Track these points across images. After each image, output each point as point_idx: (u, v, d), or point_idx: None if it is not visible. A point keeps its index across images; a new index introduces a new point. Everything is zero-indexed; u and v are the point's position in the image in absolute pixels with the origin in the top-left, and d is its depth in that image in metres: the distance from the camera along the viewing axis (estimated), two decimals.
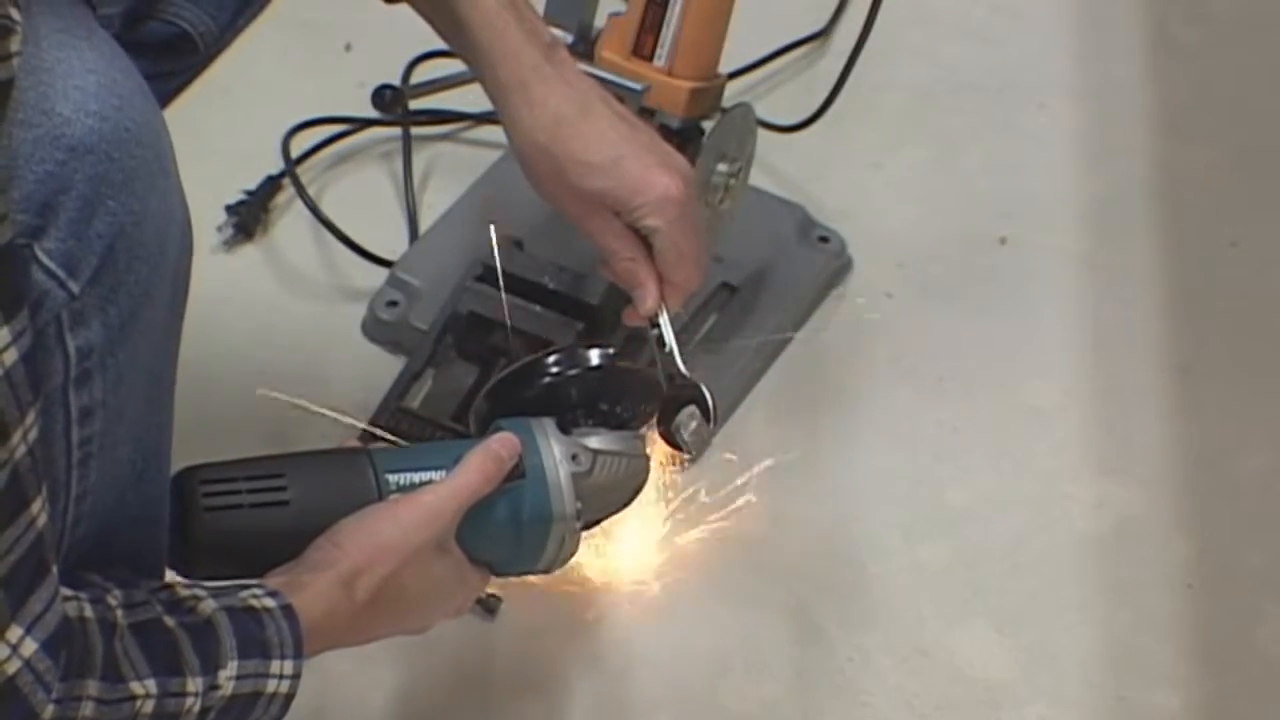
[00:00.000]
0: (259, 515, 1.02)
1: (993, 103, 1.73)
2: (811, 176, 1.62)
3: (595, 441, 1.13)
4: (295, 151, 1.59)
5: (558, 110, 1.17)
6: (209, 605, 0.92)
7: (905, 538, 1.36)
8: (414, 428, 1.37)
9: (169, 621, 0.90)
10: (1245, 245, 1.60)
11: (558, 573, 1.14)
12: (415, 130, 1.63)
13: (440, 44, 1.63)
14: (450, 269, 1.47)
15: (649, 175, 1.18)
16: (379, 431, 1.36)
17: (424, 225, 1.56)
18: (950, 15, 1.81)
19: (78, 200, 0.85)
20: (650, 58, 1.31)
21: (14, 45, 0.76)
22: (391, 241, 1.54)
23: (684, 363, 1.24)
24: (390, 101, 1.63)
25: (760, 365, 1.47)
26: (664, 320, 1.24)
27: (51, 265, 0.85)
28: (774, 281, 1.51)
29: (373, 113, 1.61)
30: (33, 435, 0.80)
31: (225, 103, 1.60)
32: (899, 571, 1.34)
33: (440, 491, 1.05)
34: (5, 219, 0.78)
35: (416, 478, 1.06)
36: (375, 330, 1.48)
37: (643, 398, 1.21)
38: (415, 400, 1.40)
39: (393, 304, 1.47)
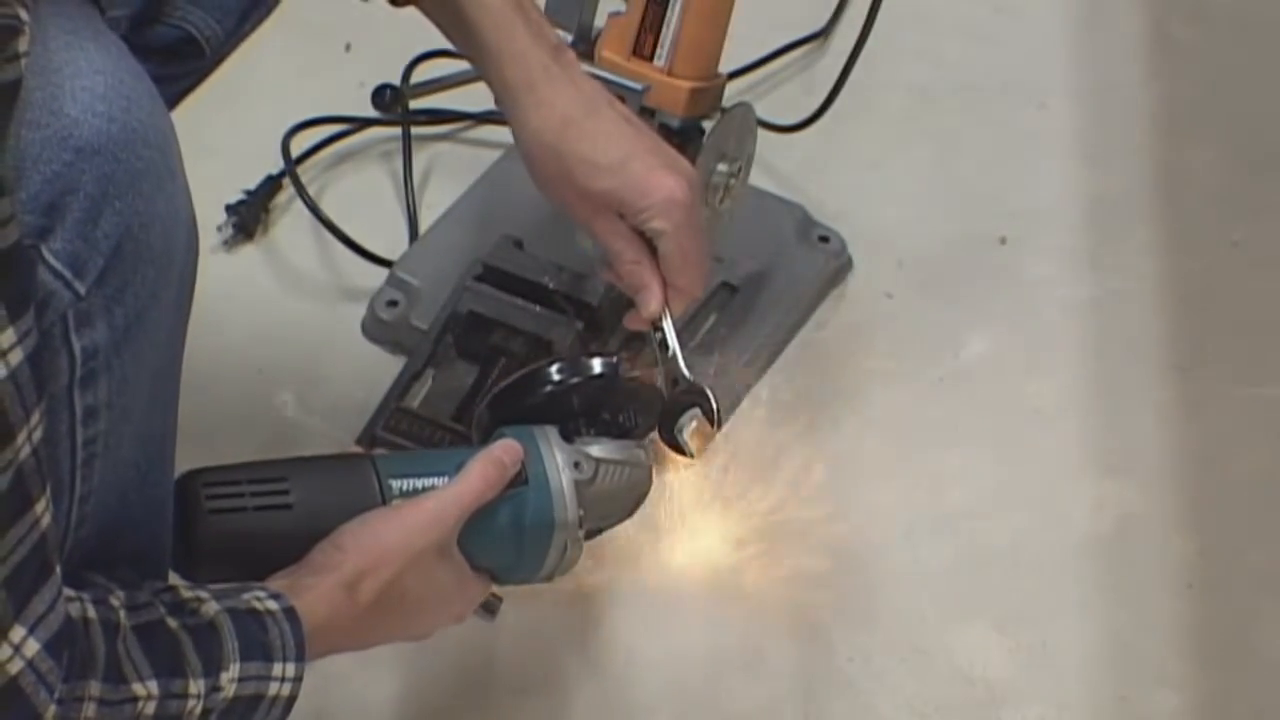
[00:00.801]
0: (262, 518, 1.02)
1: (993, 103, 1.73)
2: (811, 176, 1.62)
3: (598, 450, 1.13)
4: (295, 151, 1.59)
5: (566, 111, 1.17)
6: (212, 607, 0.92)
7: (905, 538, 1.36)
8: (414, 427, 1.37)
9: (172, 623, 0.90)
10: (1245, 245, 1.60)
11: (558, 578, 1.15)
12: (415, 130, 1.64)
13: (440, 44, 1.63)
14: (450, 269, 1.47)
15: (656, 178, 1.18)
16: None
17: (424, 225, 1.56)
18: (950, 15, 1.81)
19: (85, 201, 0.86)
20: (650, 58, 1.31)
21: (22, 45, 0.76)
22: (391, 241, 1.54)
23: (686, 365, 1.24)
24: (390, 101, 1.63)
25: (760, 365, 1.47)
26: (667, 324, 1.24)
27: (58, 266, 0.85)
28: (774, 281, 1.51)
29: (373, 113, 1.61)
30: (37, 435, 0.80)
31: (225, 103, 1.60)
32: (899, 571, 1.34)
33: (443, 497, 1.05)
34: (12, 219, 0.78)
35: (419, 483, 1.06)
36: (375, 330, 1.48)
37: (645, 407, 1.21)
38: (415, 400, 1.40)
39: (393, 304, 1.47)
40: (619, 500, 1.16)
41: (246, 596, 0.94)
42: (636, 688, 1.27)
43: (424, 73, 1.65)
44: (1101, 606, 1.33)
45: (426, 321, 1.45)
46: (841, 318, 1.52)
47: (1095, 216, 1.63)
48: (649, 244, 1.21)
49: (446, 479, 1.06)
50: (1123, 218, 1.62)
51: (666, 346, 1.24)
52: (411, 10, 1.22)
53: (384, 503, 1.04)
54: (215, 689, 0.90)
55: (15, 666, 0.80)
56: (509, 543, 1.09)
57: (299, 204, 1.57)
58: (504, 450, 1.08)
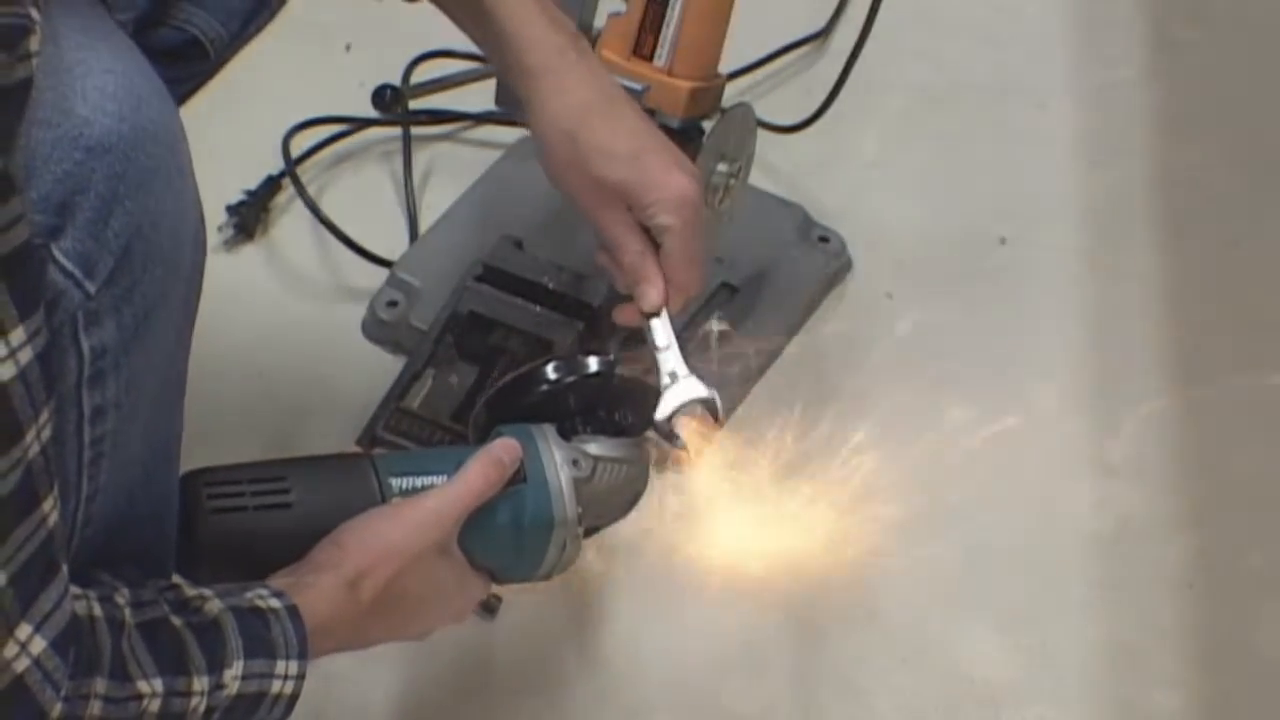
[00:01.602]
0: (263, 517, 1.03)
1: (993, 103, 1.73)
2: (811, 176, 1.62)
3: (595, 448, 1.13)
4: (295, 151, 1.59)
5: (585, 98, 1.18)
6: (215, 605, 0.92)
7: (905, 538, 1.36)
8: (414, 427, 1.37)
9: (176, 621, 0.90)
10: (1245, 245, 1.60)
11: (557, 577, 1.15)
12: (415, 130, 1.63)
13: (440, 44, 1.64)
14: (450, 269, 1.47)
15: (669, 173, 1.19)
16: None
17: (424, 225, 1.56)
18: (950, 15, 1.81)
19: (95, 200, 0.86)
20: (650, 58, 1.31)
21: (33, 45, 0.76)
22: (391, 241, 1.54)
23: (685, 361, 1.24)
24: (390, 101, 1.63)
25: (760, 365, 1.47)
26: (665, 319, 1.24)
27: (68, 265, 0.86)
28: (774, 281, 1.51)
29: (373, 113, 1.61)
30: (46, 434, 0.81)
31: (226, 103, 1.60)
32: (899, 571, 1.34)
33: (443, 495, 1.05)
34: (22, 219, 0.78)
35: (419, 482, 1.06)
36: (375, 330, 1.48)
37: (641, 405, 1.21)
38: (415, 400, 1.40)
39: (393, 304, 1.47)
40: (617, 498, 1.16)
41: (249, 595, 0.94)
42: (636, 687, 1.27)
43: (424, 73, 1.65)
44: (1101, 606, 1.33)
45: (426, 321, 1.45)
46: (841, 318, 1.52)
47: (1095, 216, 1.63)
48: (652, 239, 1.21)
49: (446, 478, 1.06)
50: (1123, 218, 1.62)
51: (660, 342, 1.24)
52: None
53: (384, 501, 1.05)
54: (219, 686, 0.90)
55: (21, 664, 0.81)
56: (508, 541, 1.09)
57: (299, 204, 1.57)
58: (503, 449, 1.08)
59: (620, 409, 1.18)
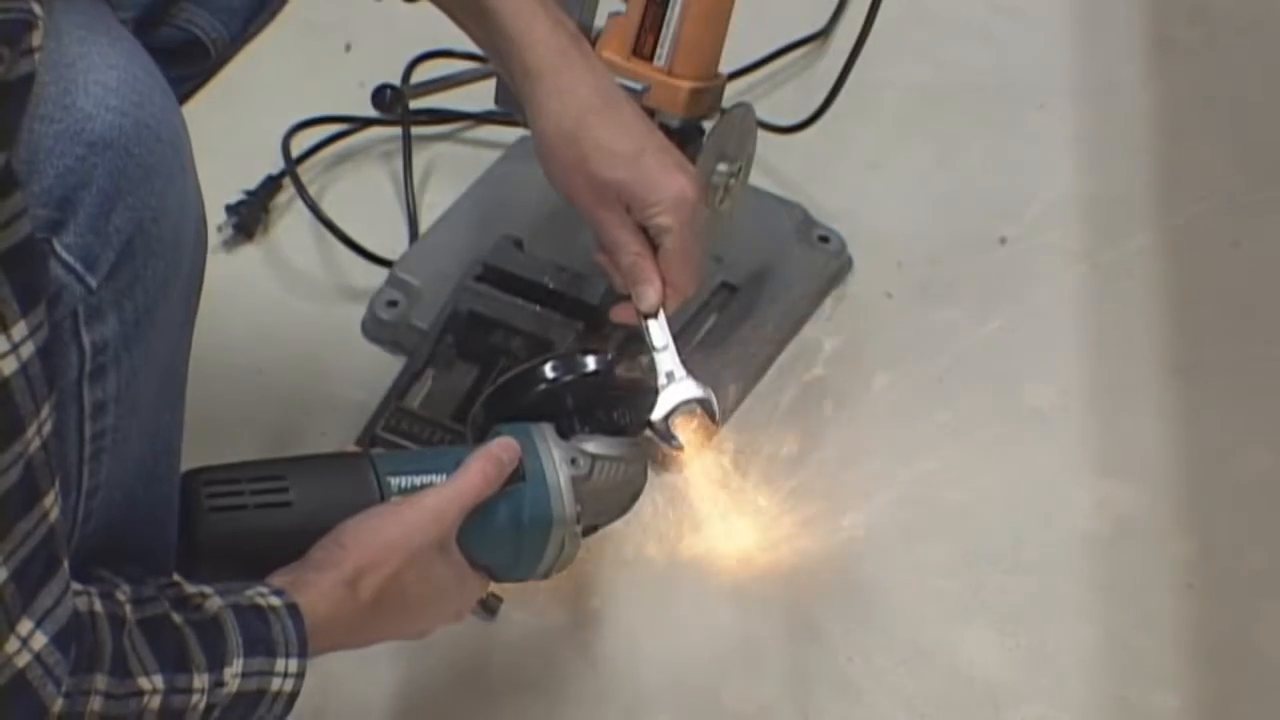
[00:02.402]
0: (262, 516, 1.03)
1: (993, 103, 1.73)
2: (811, 176, 1.62)
3: (593, 446, 1.13)
4: (295, 151, 1.59)
5: (586, 98, 1.18)
6: (215, 603, 0.92)
7: (905, 538, 1.36)
8: (414, 427, 1.37)
9: (176, 618, 0.90)
10: (1245, 245, 1.60)
11: (557, 576, 1.15)
12: (415, 130, 1.63)
13: (440, 44, 1.64)
14: (450, 269, 1.47)
15: (668, 175, 1.19)
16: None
17: (424, 225, 1.56)
18: (950, 15, 1.81)
19: (97, 195, 0.86)
20: (650, 58, 1.31)
21: (35, 40, 0.76)
22: (391, 241, 1.54)
23: (682, 362, 1.25)
24: (390, 101, 1.63)
25: (760, 365, 1.47)
26: (662, 320, 1.24)
27: (70, 260, 0.86)
28: (774, 281, 1.51)
29: (373, 113, 1.61)
30: (47, 429, 0.81)
31: (226, 102, 1.60)
32: (899, 571, 1.34)
33: (442, 493, 1.05)
34: (24, 214, 0.78)
35: (418, 480, 1.06)
36: (375, 330, 1.48)
37: (639, 404, 1.21)
38: (415, 400, 1.40)
39: (393, 304, 1.47)
40: (615, 496, 1.17)
41: (250, 593, 0.95)
42: (636, 687, 1.27)
43: (424, 73, 1.65)
44: (1101, 606, 1.33)
45: (426, 321, 1.45)
46: (841, 318, 1.52)
47: (1095, 216, 1.63)
48: (650, 240, 1.21)
49: (444, 476, 1.07)
50: (1123, 218, 1.62)
51: (657, 342, 1.24)
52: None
53: (383, 500, 1.05)
54: (219, 684, 0.90)
55: (23, 659, 0.81)
56: (507, 539, 1.09)
57: (299, 204, 1.57)
58: (501, 447, 1.09)
59: (618, 408, 1.18)
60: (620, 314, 1.28)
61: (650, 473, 1.20)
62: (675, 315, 1.27)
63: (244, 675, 0.91)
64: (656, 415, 1.23)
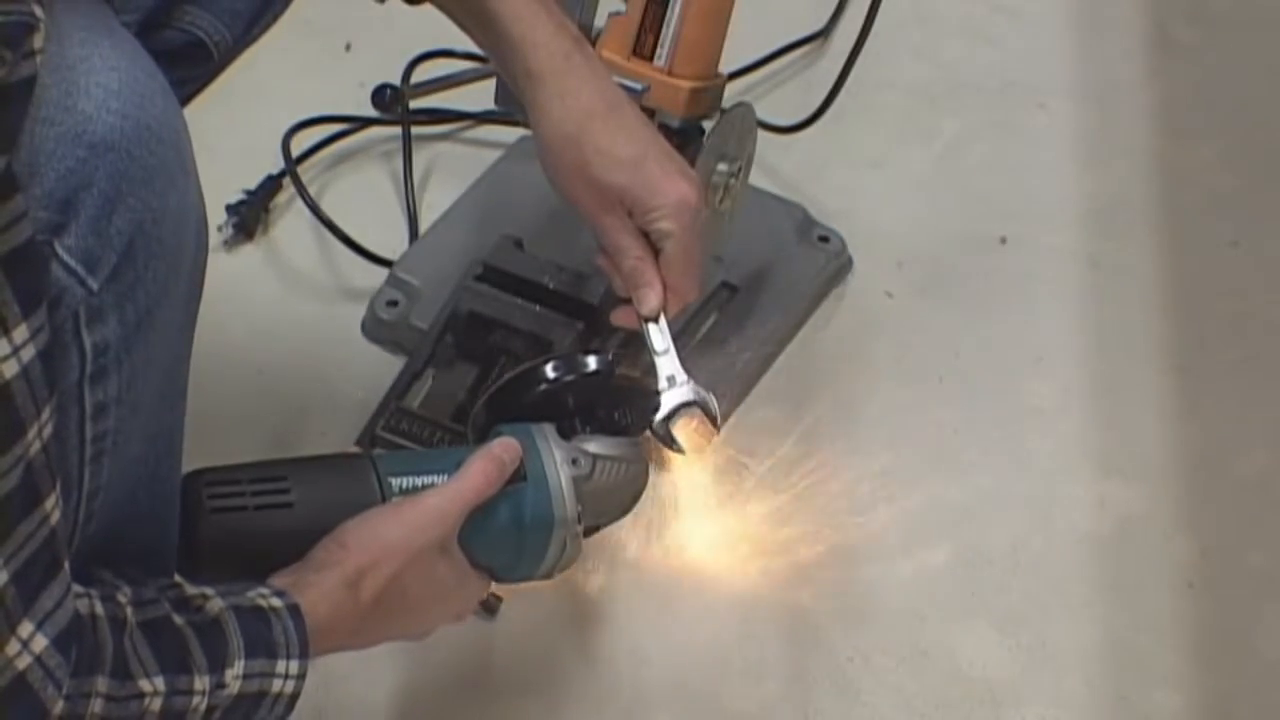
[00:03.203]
0: (263, 517, 1.03)
1: (993, 103, 1.73)
2: (811, 176, 1.62)
3: (594, 447, 1.13)
4: (295, 151, 1.59)
5: (589, 102, 1.18)
6: (217, 604, 0.92)
7: (905, 538, 1.36)
8: (414, 427, 1.37)
9: (177, 620, 0.90)
10: (1245, 245, 1.60)
11: (559, 577, 1.15)
12: (415, 130, 1.63)
13: (440, 44, 1.64)
14: (450, 269, 1.47)
15: (670, 180, 1.19)
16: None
17: (424, 225, 1.56)
18: (950, 15, 1.81)
19: (99, 197, 0.86)
20: (650, 57, 1.31)
21: (37, 42, 0.76)
22: (391, 241, 1.54)
23: (682, 365, 1.25)
24: (390, 101, 1.63)
25: (760, 365, 1.47)
26: (663, 324, 1.24)
27: (71, 262, 0.86)
28: (774, 281, 1.51)
29: (373, 112, 1.61)
30: (48, 431, 0.81)
31: (225, 102, 1.59)
32: (899, 571, 1.34)
33: (443, 494, 1.05)
34: (25, 216, 0.78)
35: (419, 481, 1.06)
36: (375, 330, 1.48)
37: (640, 404, 1.21)
38: (415, 400, 1.40)
39: (393, 304, 1.47)
40: (616, 496, 1.17)
41: (251, 594, 0.95)
42: (636, 688, 1.27)
43: (424, 73, 1.65)
44: (1101, 606, 1.33)
45: (426, 321, 1.45)
46: (841, 318, 1.52)
47: (1095, 216, 1.63)
48: (651, 245, 1.22)
49: (445, 477, 1.07)
50: (1123, 218, 1.62)
51: (657, 346, 1.24)
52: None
53: (384, 501, 1.05)
54: (220, 685, 0.90)
55: (23, 662, 0.81)
56: (509, 540, 1.09)
57: (299, 204, 1.57)
58: (503, 448, 1.09)
59: (619, 408, 1.18)
60: (621, 317, 1.28)
61: (651, 473, 1.20)
62: (675, 317, 1.27)
63: (245, 677, 0.91)
64: (657, 419, 1.23)
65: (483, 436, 1.14)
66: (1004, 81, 1.75)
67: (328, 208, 1.56)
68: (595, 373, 1.17)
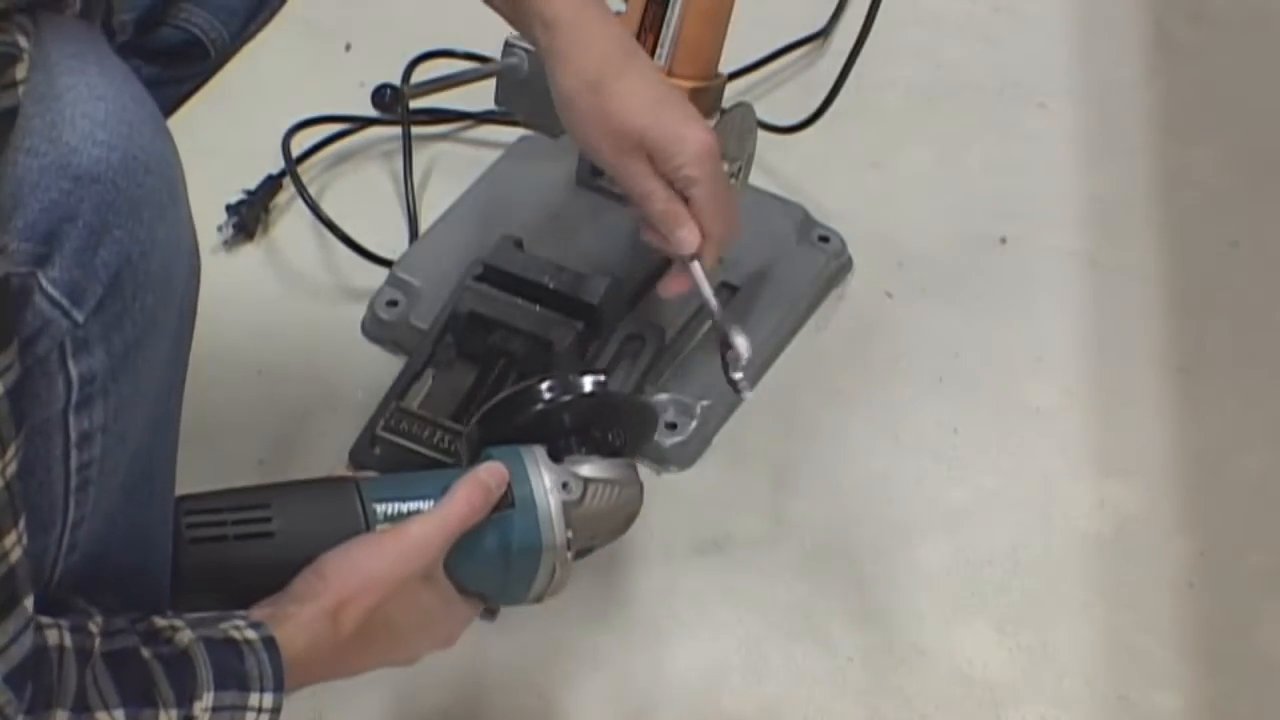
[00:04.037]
0: (244, 547, 1.01)
1: (993, 103, 1.73)
2: (811, 176, 1.62)
3: (587, 469, 1.12)
4: (295, 151, 1.59)
5: (606, 49, 1.17)
6: (186, 636, 0.91)
7: (905, 538, 1.36)
8: (414, 427, 1.37)
9: (145, 653, 0.89)
10: (1245, 245, 1.60)
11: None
12: (415, 130, 1.63)
13: (440, 44, 1.64)
14: (450, 269, 1.47)
15: (689, 126, 1.18)
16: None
17: (424, 225, 1.56)
18: (950, 15, 1.81)
19: (83, 229, 0.84)
20: (650, 57, 1.31)
21: (19, 73, 0.76)
22: (391, 241, 1.54)
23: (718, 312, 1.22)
24: (390, 101, 1.62)
25: (760, 365, 1.46)
26: (700, 270, 1.21)
27: (56, 294, 0.84)
28: (774, 281, 1.51)
29: (373, 112, 1.61)
30: (11, 470, 0.80)
31: (225, 102, 1.60)
32: (899, 571, 1.34)
33: (427, 523, 1.04)
34: (2, 251, 0.77)
35: (404, 507, 1.05)
36: (375, 330, 1.48)
37: (635, 425, 1.20)
38: (415, 400, 1.40)
39: (393, 304, 1.47)
40: (609, 519, 1.15)
41: (224, 625, 0.93)
42: (636, 687, 1.27)
43: (424, 73, 1.65)
44: (1101, 606, 1.33)
45: (426, 321, 1.45)
46: (841, 318, 1.52)
47: (1095, 216, 1.63)
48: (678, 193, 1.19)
49: (431, 503, 1.05)
50: (1123, 218, 1.62)
51: (708, 291, 1.21)
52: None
53: (368, 528, 1.03)
54: (188, 718, 0.89)
55: None
56: (496, 566, 1.08)
57: (299, 204, 1.57)
58: (489, 473, 1.07)
59: (614, 429, 1.16)
60: (669, 287, 1.25)
61: (648, 482, 1.19)
62: (684, 306, 1.24)
63: (215, 709, 0.90)
64: (745, 354, 1.20)
65: (476, 454, 1.12)
66: (1004, 81, 1.75)
67: (328, 208, 1.56)
68: (590, 393, 1.15)
